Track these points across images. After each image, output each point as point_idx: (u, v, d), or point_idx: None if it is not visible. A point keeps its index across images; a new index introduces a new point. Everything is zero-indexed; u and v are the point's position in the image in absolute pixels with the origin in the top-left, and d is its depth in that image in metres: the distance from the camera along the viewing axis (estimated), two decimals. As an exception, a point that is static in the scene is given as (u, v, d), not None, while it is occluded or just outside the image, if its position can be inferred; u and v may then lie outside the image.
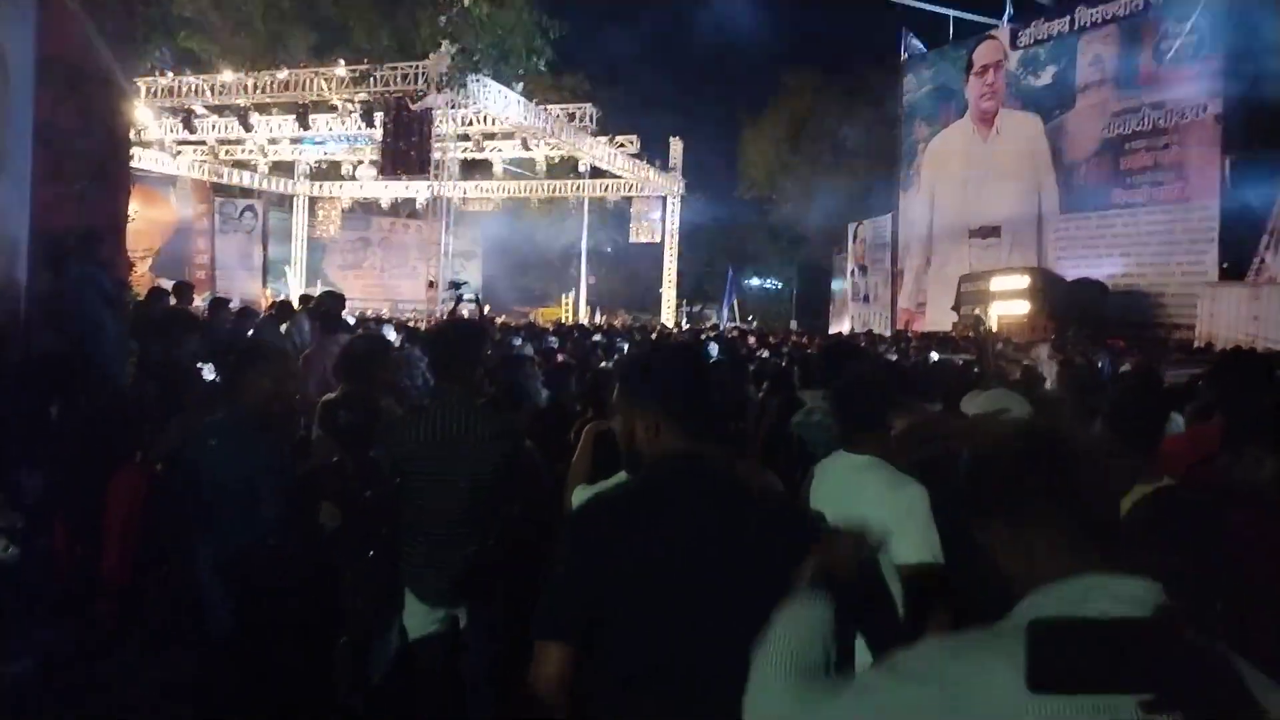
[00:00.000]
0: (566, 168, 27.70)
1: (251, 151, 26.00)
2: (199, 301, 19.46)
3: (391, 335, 9.72)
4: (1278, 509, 2.21)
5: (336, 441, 3.37)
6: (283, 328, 9.40)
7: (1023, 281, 22.66)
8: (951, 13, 29.94)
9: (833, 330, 32.67)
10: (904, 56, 33.03)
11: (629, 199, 30.10)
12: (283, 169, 29.62)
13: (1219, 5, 22.17)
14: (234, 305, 21.67)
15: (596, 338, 13.13)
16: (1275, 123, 21.72)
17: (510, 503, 3.29)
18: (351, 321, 10.44)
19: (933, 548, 2.36)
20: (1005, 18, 28.50)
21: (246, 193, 30.67)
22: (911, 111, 32.70)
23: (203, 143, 24.30)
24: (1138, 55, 24.21)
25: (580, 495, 2.87)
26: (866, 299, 35.36)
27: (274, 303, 11.49)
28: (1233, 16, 21.94)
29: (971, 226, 29.36)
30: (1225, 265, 22.17)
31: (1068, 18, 26.35)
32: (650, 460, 1.82)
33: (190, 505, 3.20)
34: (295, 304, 10.62)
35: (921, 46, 32.46)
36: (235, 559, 3.08)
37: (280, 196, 31.55)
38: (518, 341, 9.55)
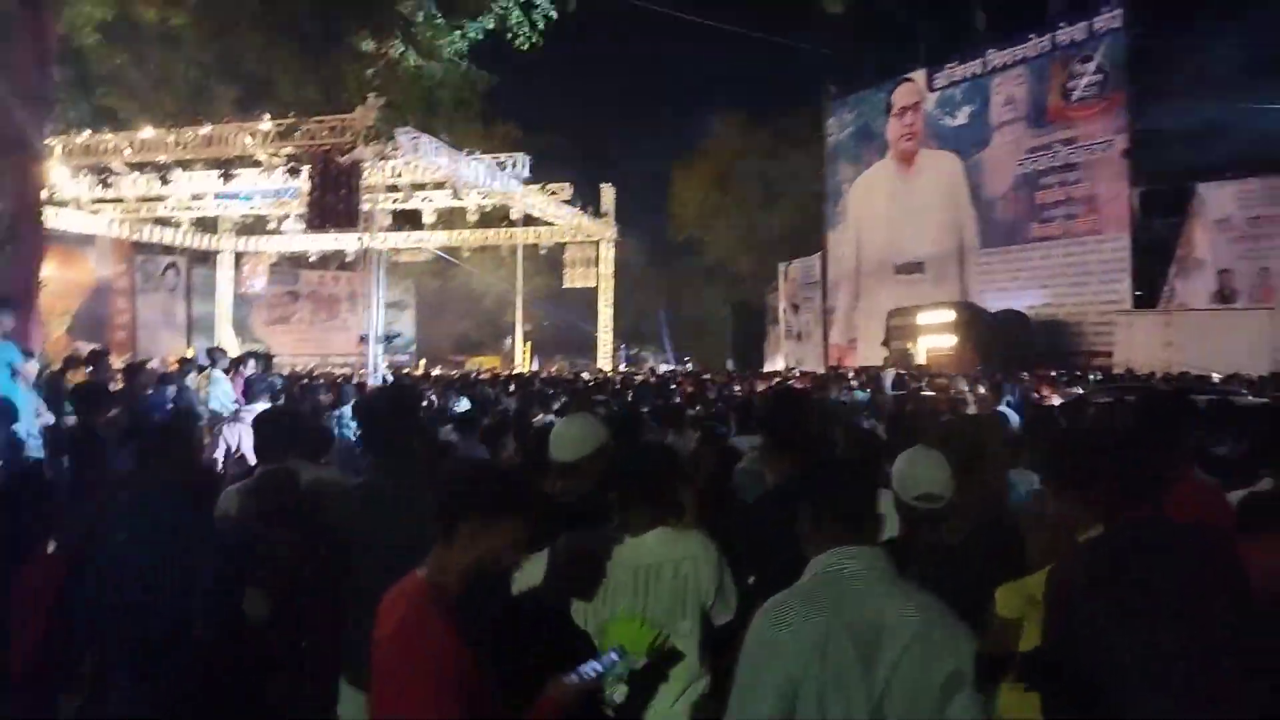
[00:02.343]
0: (498, 216, 27.64)
1: (174, 208, 25.37)
2: (119, 363, 18.79)
3: (322, 397, 9.50)
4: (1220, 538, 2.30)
5: (265, 522, 3.23)
6: (193, 384, 9.12)
7: (948, 315, 23.21)
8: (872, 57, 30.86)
9: (767, 368, 32.99)
10: (826, 100, 33.92)
11: (562, 245, 30.13)
12: (207, 224, 28.96)
13: (1120, 46, 23.31)
14: (154, 364, 21.07)
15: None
16: (1178, 156, 22.85)
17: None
18: (279, 384, 10.12)
19: None
20: (920, 61, 29.52)
21: (169, 249, 29.85)
22: (835, 152, 33.53)
23: (122, 200, 23.63)
24: (1046, 95, 25.27)
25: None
26: (799, 337, 35.87)
27: (180, 359, 11.12)
28: (1133, 56, 23.12)
29: (897, 263, 30.08)
30: (1139, 294, 23.05)
31: (980, 60, 27.42)
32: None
33: (104, 597, 3.02)
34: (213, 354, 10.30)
35: (842, 91, 33.37)
36: (153, 654, 2.90)
37: (204, 252, 30.80)
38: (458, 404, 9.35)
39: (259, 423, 4.16)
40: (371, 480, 3.28)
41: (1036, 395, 12.57)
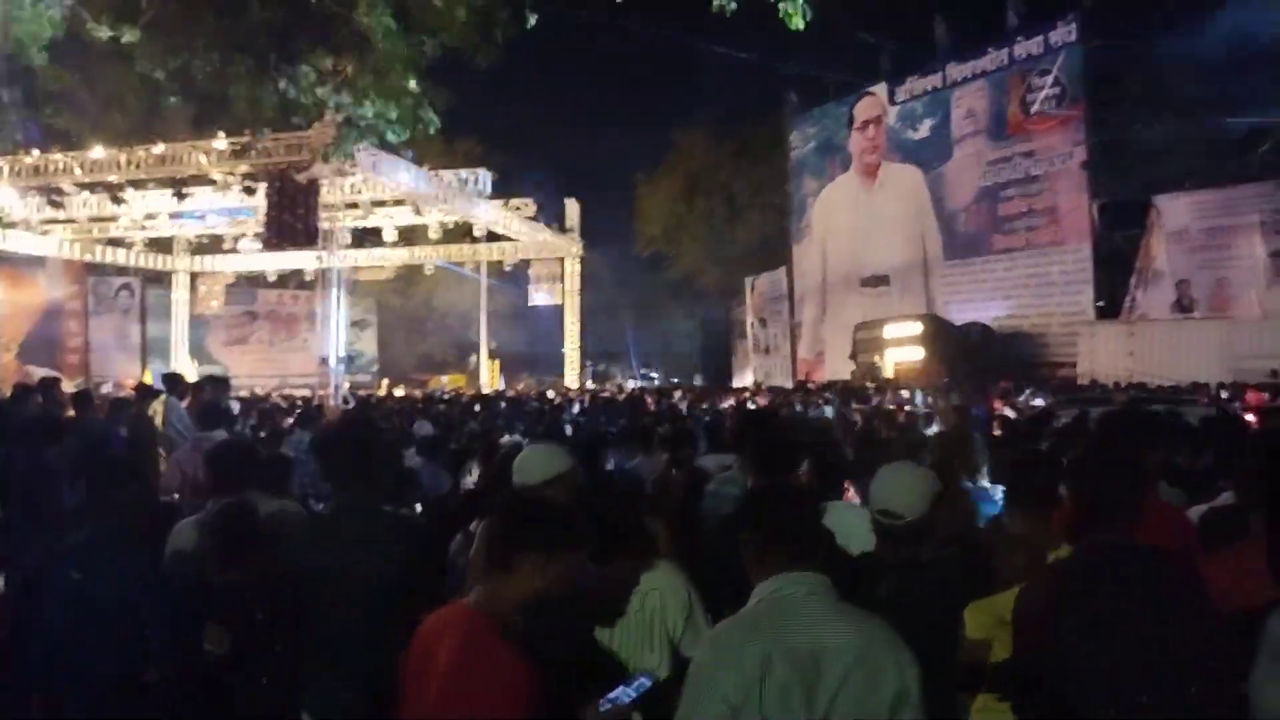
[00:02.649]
0: (461, 232, 27.43)
1: (127, 228, 24.82)
2: (71, 387, 18.15)
3: (282, 421, 9.23)
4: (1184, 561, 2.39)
5: (222, 557, 3.09)
6: (154, 415, 8.80)
7: (915, 328, 23.34)
8: (832, 77, 31.07)
9: (736, 382, 33.01)
10: (788, 114, 34.13)
11: (527, 261, 29.95)
12: (161, 244, 28.41)
13: (1077, 59, 23.70)
14: (107, 389, 20.45)
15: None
16: (1135, 168, 23.24)
17: (414, 610, 3.06)
18: (237, 408, 9.82)
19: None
20: (881, 76, 29.83)
21: (122, 270, 29.27)
22: (799, 166, 33.73)
23: (73, 221, 23.10)
24: (1006, 108, 25.59)
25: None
26: (767, 350, 35.95)
27: (138, 385, 10.74)
28: (1090, 69, 23.51)
29: (862, 276, 30.27)
30: (1101, 304, 23.36)
31: (940, 74, 27.73)
32: None
33: (56, 637, 2.88)
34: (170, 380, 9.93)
35: (804, 105, 33.60)
36: (110, 696, 2.78)
37: (159, 273, 30.21)
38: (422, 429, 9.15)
39: (215, 455, 4.08)
40: (332, 512, 3.20)
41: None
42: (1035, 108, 24.66)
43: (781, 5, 8.49)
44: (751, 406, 14.10)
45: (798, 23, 8.56)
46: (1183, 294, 22.06)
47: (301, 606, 2.99)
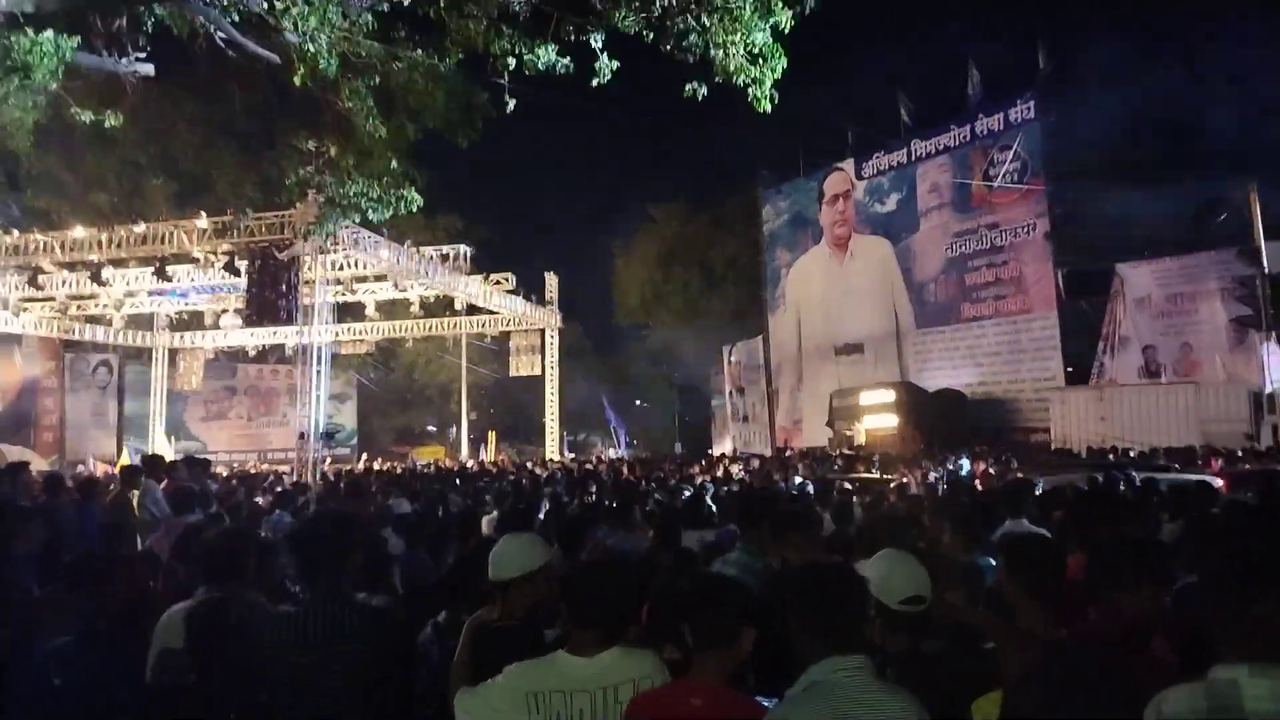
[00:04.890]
0: (442, 305, 27.65)
1: (106, 306, 24.85)
2: (44, 465, 17.96)
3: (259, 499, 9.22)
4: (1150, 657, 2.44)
5: (195, 657, 3.09)
6: (135, 498, 8.72)
7: (889, 396, 23.60)
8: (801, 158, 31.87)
9: (715, 450, 33.05)
10: (760, 188, 34.91)
11: (507, 333, 30.16)
12: (141, 321, 28.40)
13: (1036, 133, 24.50)
14: (82, 469, 20.19)
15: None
16: (1096, 237, 23.88)
17: (383, 702, 3.07)
18: (211, 493, 9.76)
19: None
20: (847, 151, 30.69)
21: (100, 347, 29.18)
22: (772, 239, 34.36)
23: (51, 299, 23.11)
24: (969, 181, 26.32)
25: (464, 700, 2.69)
26: (746, 419, 36.08)
27: (123, 468, 10.67)
28: (1049, 143, 24.29)
29: (837, 344, 30.66)
30: (1070, 370, 23.75)
31: (904, 150, 28.56)
32: None
33: None
34: (149, 463, 9.86)
35: (775, 179, 34.39)
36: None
37: (137, 349, 30.12)
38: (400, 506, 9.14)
39: (203, 546, 3.99)
40: (304, 607, 3.18)
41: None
42: (997, 181, 25.40)
43: (750, 90, 8.86)
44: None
45: (765, 105, 8.92)
46: (1149, 359, 22.50)
47: (272, 705, 2.96)
